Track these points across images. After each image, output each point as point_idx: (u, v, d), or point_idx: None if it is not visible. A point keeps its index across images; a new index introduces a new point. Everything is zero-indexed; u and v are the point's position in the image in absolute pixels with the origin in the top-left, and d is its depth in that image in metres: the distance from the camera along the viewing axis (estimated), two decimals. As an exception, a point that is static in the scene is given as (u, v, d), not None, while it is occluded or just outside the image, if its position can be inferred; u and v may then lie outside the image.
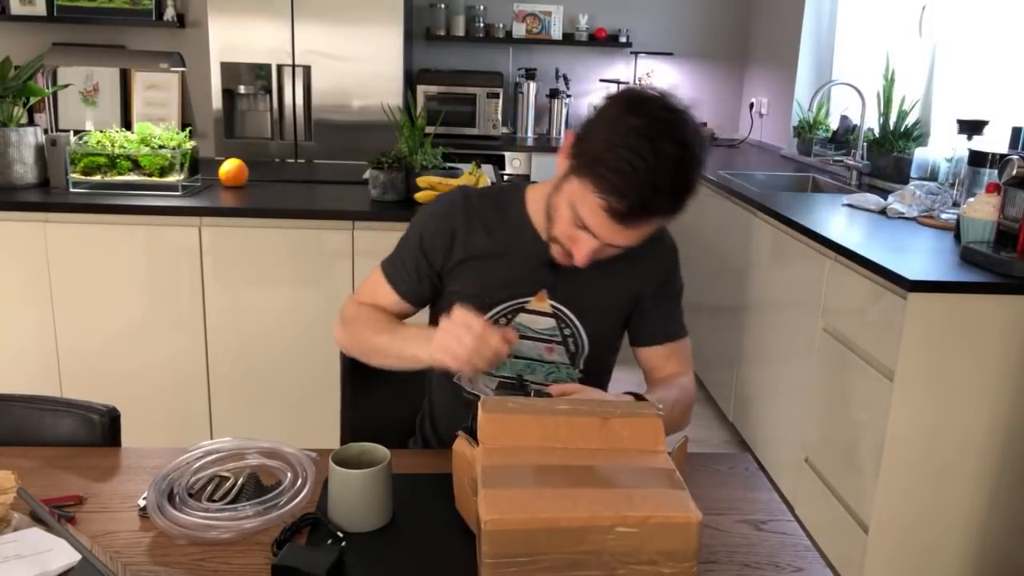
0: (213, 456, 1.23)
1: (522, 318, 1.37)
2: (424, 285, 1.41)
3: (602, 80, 4.98)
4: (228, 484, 1.17)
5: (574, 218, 1.21)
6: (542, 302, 1.36)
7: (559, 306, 1.37)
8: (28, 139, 2.64)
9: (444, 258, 1.38)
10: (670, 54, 4.93)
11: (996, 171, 2.37)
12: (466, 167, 2.73)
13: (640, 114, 1.15)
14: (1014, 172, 2.14)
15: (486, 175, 2.72)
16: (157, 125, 2.76)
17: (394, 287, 1.41)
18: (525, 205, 1.38)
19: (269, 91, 4.20)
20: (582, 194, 1.18)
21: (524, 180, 1.53)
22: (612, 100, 1.21)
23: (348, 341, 1.41)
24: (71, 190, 2.64)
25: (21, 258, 2.58)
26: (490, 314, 1.36)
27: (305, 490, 1.16)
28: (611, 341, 1.45)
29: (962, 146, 2.70)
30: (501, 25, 4.77)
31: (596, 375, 1.43)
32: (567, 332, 1.38)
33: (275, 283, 2.63)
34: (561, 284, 1.36)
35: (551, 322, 1.38)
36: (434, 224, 1.38)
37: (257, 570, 1.02)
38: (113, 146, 2.65)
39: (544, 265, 1.34)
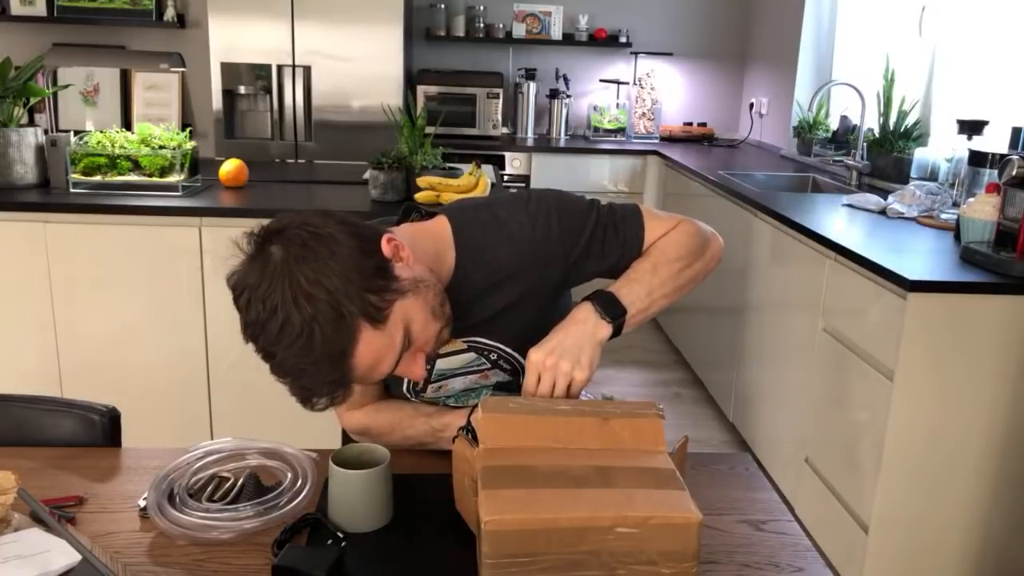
0: (213, 456, 1.23)
1: (441, 364, 1.26)
2: None
3: (602, 80, 4.98)
4: (228, 484, 1.17)
5: None
6: (451, 344, 1.24)
7: (470, 340, 1.25)
8: (28, 139, 2.65)
9: None
10: (670, 54, 4.94)
11: (996, 171, 2.37)
12: (466, 167, 2.74)
13: None
14: (1014, 172, 2.14)
15: (486, 175, 2.72)
16: (157, 125, 2.76)
17: None
18: None
19: (269, 91, 4.20)
20: None
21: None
22: None
23: (376, 444, 1.35)
24: (71, 190, 2.64)
25: (21, 258, 2.58)
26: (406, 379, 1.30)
27: (305, 490, 1.16)
28: (545, 325, 1.21)
29: (962, 146, 2.70)
30: (501, 25, 4.78)
31: None
32: (493, 356, 1.27)
33: (275, 283, 2.62)
34: (456, 324, 1.20)
35: (471, 355, 1.26)
36: None
37: (257, 570, 1.02)
38: (113, 146, 2.65)
39: None
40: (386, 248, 1.06)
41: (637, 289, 1.18)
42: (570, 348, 1.11)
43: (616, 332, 1.15)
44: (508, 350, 1.27)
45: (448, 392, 1.32)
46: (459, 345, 1.25)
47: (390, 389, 1.37)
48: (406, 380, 1.30)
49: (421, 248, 1.16)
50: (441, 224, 1.23)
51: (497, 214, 1.23)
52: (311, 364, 0.99)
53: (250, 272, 1.02)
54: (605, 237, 1.24)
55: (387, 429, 1.33)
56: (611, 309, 1.14)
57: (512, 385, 1.34)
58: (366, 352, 1.02)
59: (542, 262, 1.22)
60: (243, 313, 1.02)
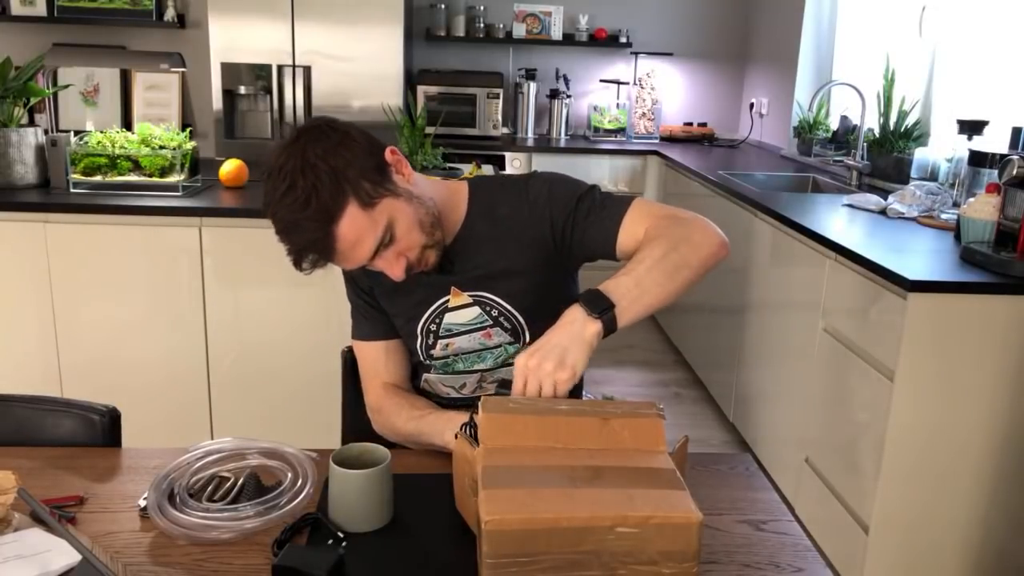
0: (213, 456, 1.23)
1: (449, 318, 1.40)
2: (385, 314, 1.46)
3: (602, 80, 4.98)
4: (228, 484, 1.17)
5: None
6: (458, 297, 1.39)
7: (475, 293, 1.39)
8: (29, 139, 2.65)
9: (369, 292, 1.46)
10: (670, 54, 4.93)
11: (996, 171, 2.37)
12: (466, 167, 2.74)
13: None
14: (1014, 172, 2.14)
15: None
16: (157, 125, 2.76)
17: (368, 338, 1.48)
18: None
19: (269, 91, 4.20)
20: None
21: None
22: None
23: (383, 430, 1.44)
24: (71, 190, 2.64)
25: (21, 258, 2.58)
26: (420, 326, 1.42)
27: (305, 490, 1.16)
28: (546, 299, 1.38)
29: (962, 146, 2.70)
30: (501, 25, 4.78)
31: None
32: (494, 313, 1.39)
33: (275, 283, 2.63)
34: (461, 275, 1.38)
35: (476, 310, 1.40)
36: (346, 269, 1.45)
37: (257, 570, 1.02)
38: (113, 147, 2.65)
39: (434, 271, 1.36)
40: (389, 156, 1.26)
41: (624, 281, 1.19)
42: (554, 348, 1.12)
43: (610, 328, 1.15)
44: (508, 306, 1.39)
45: (455, 350, 1.42)
46: (465, 299, 1.39)
47: (412, 358, 1.48)
48: (420, 339, 1.43)
49: (435, 191, 1.35)
50: (460, 183, 1.44)
51: (504, 182, 1.44)
52: (304, 219, 1.17)
53: (277, 154, 1.21)
54: (591, 209, 1.35)
55: (389, 413, 1.42)
56: (598, 304, 1.15)
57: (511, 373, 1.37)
58: (349, 226, 1.19)
59: (536, 224, 1.36)
60: (265, 184, 1.21)
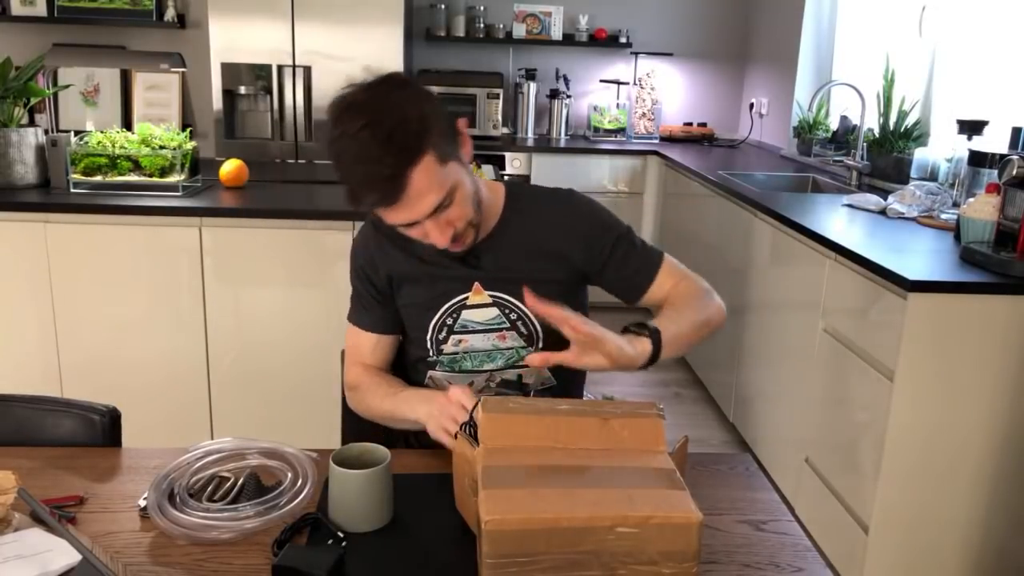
0: (213, 456, 1.23)
1: (466, 315, 1.41)
2: (388, 309, 1.46)
3: (602, 80, 4.98)
4: (228, 484, 1.17)
5: None
6: (479, 294, 1.40)
7: (495, 294, 1.40)
8: (29, 139, 2.65)
9: (380, 281, 1.44)
10: (670, 54, 4.94)
11: (996, 171, 2.37)
12: (466, 167, 2.73)
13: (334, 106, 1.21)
14: (1014, 172, 2.14)
15: (487, 175, 2.72)
16: (157, 125, 2.76)
17: (364, 327, 1.48)
18: None
19: (269, 91, 4.20)
20: None
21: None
22: None
23: (358, 408, 1.46)
24: (72, 190, 2.64)
25: (21, 258, 2.58)
26: (435, 319, 1.42)
27: (305, 490, 1.16)
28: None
29: (962, 146, 2.70)
30: (501, 25, 4.78)
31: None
32: (513, 316, 1.41)
33: (275, 283, 2.63)
34: (487, 273, 1.39)
35: (494, 311, 1.40)
36: (358, 256, 1.47)
37: (257, 570, 1.03)
38: (114, 147, 2.65)
39: (459, 263, 1.38)
40: (461, 126, 1.27)
41: (664, 322, 1.26)
42: (607, 333, 1.15)
43: (655, 352, 1.21)
44: (527, 311, 1.39)
45: (467, 348, 1.42)
46: (485, 298, 1.40)
47: (412, 345, 1.47)
48: (431, 332, 1.43)
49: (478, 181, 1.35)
50: (498, 184, 1.45)
51: (543, 192, 1.46)
52: (384, 154, 1.15)
53: (354, 93, 1.19)
54: (629, 251, 1.40)
55: (365, 392, 1.43)
56: (645, 327, 1.23)
57: (515, 385, 1.36)
58: (423, 175, 1.17)
59: (571, 240, 1.39)
60: (334, 119, 1.18)
